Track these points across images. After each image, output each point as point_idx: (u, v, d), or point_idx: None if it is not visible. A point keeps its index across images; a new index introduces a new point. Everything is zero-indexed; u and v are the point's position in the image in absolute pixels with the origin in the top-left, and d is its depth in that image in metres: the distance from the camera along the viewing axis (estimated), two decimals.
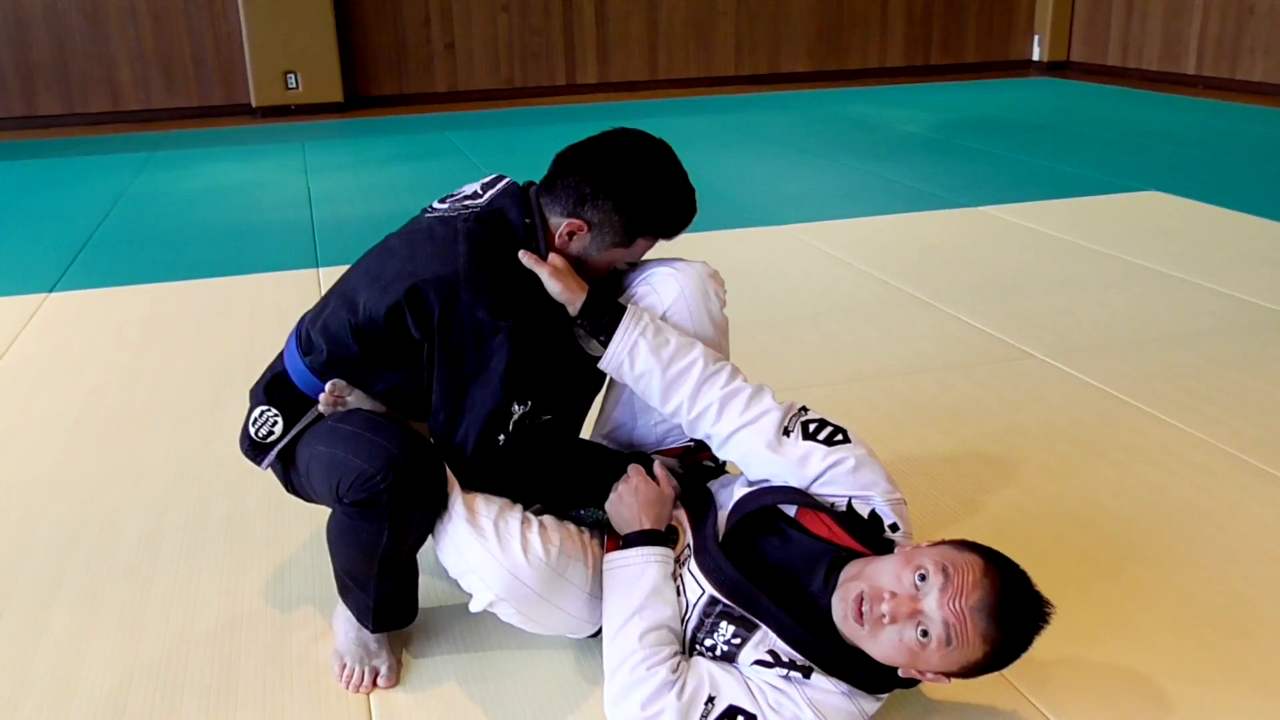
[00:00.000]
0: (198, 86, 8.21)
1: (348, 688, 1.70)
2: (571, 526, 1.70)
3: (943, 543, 1.51)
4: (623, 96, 8.87)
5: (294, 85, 8.17)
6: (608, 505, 1.72)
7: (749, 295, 3.59)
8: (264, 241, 4.53)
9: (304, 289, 3.76)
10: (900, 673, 1.49)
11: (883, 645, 1.46)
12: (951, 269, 3.87)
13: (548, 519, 1.66)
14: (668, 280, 1.77)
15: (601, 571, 1.67)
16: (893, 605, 1.43)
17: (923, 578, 1.43)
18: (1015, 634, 1.43)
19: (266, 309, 3.59)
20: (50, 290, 3.88)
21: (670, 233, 1.76)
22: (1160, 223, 4.45)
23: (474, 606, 1.62)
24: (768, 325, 3.32)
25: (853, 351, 3.11)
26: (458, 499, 1.62)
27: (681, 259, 1.82)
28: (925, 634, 1.42)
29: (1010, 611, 1.42)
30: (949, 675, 1.46)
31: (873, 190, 5.24)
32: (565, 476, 1.78)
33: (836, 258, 4.05)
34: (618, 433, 1.92)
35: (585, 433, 1.99)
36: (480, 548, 1.58)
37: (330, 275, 3.88)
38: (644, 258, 1.83)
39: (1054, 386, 2.82)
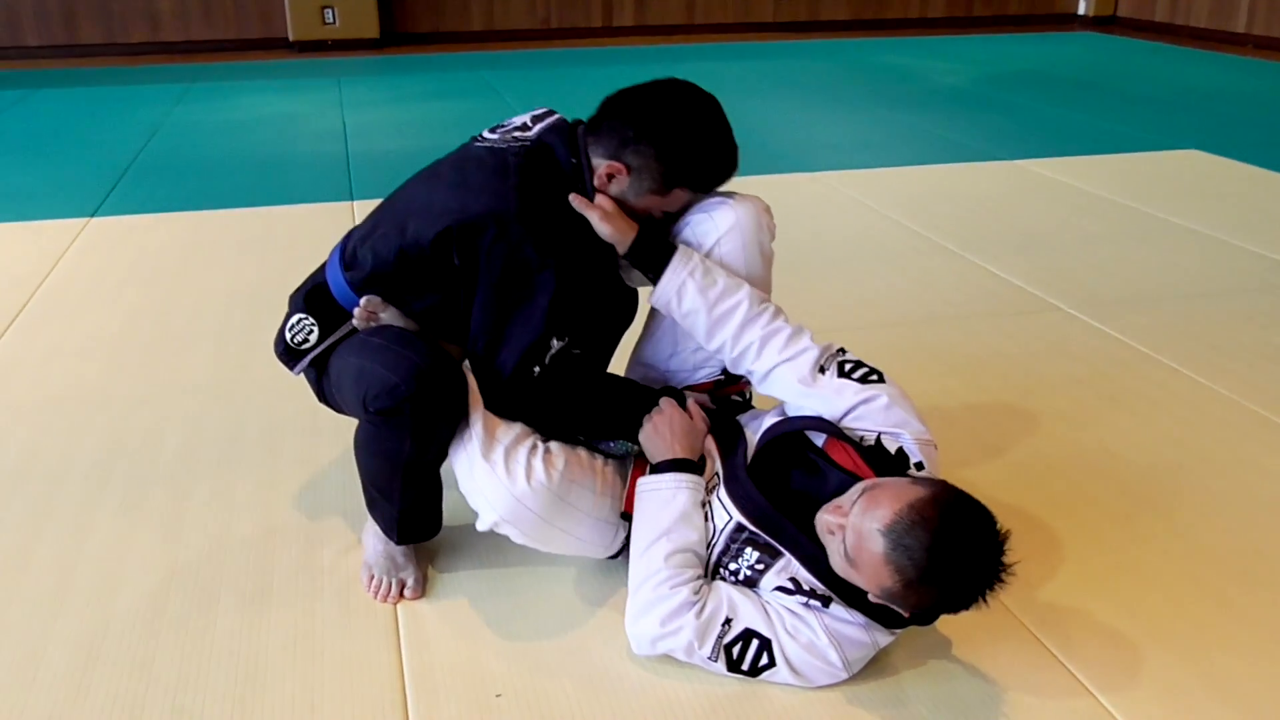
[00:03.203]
0: (236, 19, 8.23)
1: (375, 598, 1.77)
2: (582, 453, 1.75)
3: (918, 477, 1.55)
4: (659, 40, 8.82)
5: (331, 20, 8.18)
6: (641, 436, 1.77)
7: (780, 239, 3.59)
8: (300, 173, 4.58)
9: (339, 220, 3.81)
10: (870, 597, 1.51)
11: (834, 560, 1.51)
12: (983, 221, 3.87)
13: (554, 445, 1.71)
14: (724, 210, 1.80)
15: (614, 499, 1.74)
16: (834, 518, 1.49)
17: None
18: (927, 569, 1.40)
19: (302, 239, 3.65)
20: (92, 215, 3.96)
21: (707, 186, 1.79)
22: (1198, 181, 4.42)
23: (480, 526, 1.69)
24: (797, 269, 3.34)
25: (880, 298, 3.13)
26: (479, 419, 1.68)
27: (737, 192, 1.85)
28: (844, 547, 1.47)
29: (915, 542, 1.39)
30: (904, 610, 1.49)
31: (909, 141, 5.22)
32: (594, 409, 1.83)
33: (869, 206, 4.06)
34: (654, 363, 1.97)
35: (619, 366, 2.04)
36: (487, 470, 1.64)
37: (365, 208, 3.92)
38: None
39: (1078, 339, 2.83)
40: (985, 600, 1.45)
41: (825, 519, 1.51)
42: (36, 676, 1.60)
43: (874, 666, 1.61)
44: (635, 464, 1.79)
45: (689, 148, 1.72)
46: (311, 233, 3.70)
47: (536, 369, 1.71)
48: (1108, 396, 2.50)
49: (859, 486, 1.51)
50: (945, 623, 1.69)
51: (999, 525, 1.46)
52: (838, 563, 1.50)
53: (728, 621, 1.56)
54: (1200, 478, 2.16)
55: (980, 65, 7.54)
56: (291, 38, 8.21)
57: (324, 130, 5.43)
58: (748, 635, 1.55)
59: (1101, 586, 1.82)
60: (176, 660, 1.63)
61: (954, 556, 1.41)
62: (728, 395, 1.94)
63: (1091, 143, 5.12)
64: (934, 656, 1.65)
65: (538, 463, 1.65)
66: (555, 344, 1.71)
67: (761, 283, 1.83)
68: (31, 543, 1.93)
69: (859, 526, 1.44)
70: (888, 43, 8.75)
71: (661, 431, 1.74)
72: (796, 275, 3.29)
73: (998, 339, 2.83)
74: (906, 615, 1.50)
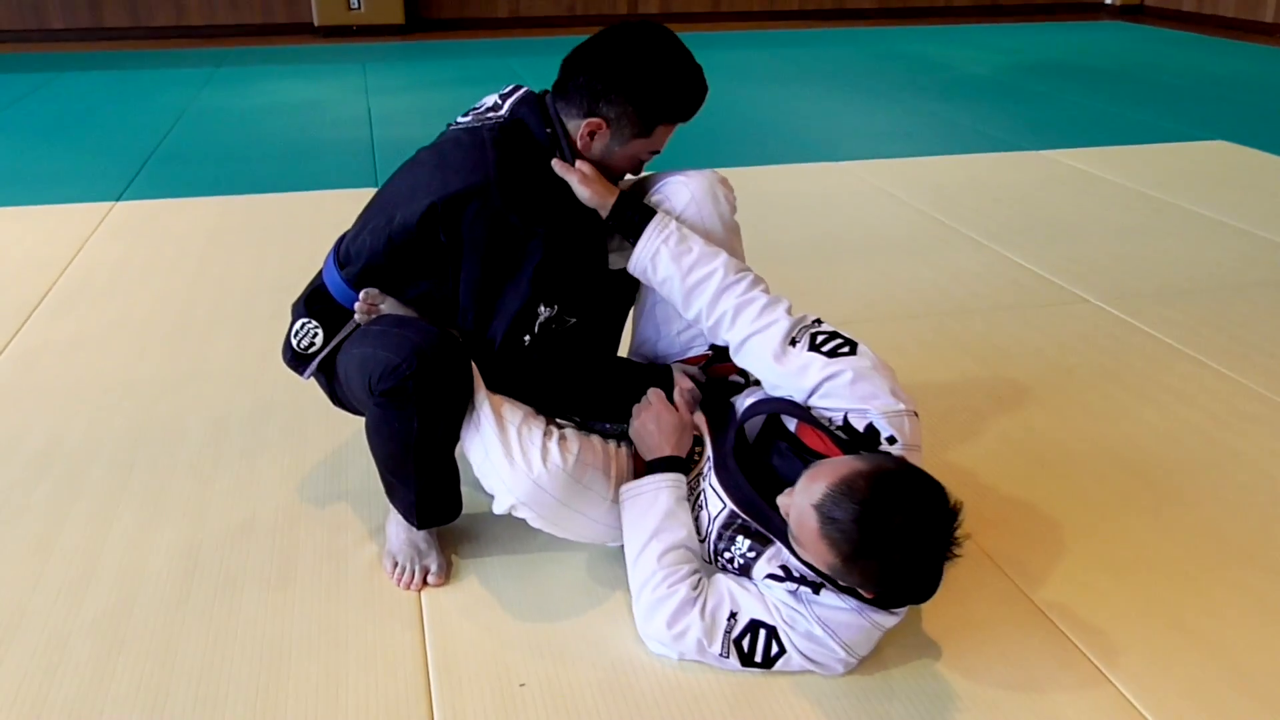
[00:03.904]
0: (261, 4, 8.25)
1: (399, 585, 1.78)
2: (595, 438, 1.75)
3: (866, 453, 1.54)
4: (684, 28, 8.75)
5: (356, 6, 8.18)
6: (631, 432, 1.77)
7: (805, 229, 3.60)
8: (325, 159, 4.58)
9: (363, 207, 3.80)
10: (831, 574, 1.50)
11: (791, 541, 1.51)
12: (1009, 212, 3.84)
13: (568, 430, 1.72)
14: (678, 188, 1.81)
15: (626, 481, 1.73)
16: (785, 500, 1.50)
17: None
18: (859, 541, 1.39)
19: (326, 225, 3.64)
20: (117, 199, 3.97)
21: (685, 114, 1.77)
22: (1225, 172, 4.37)
23: (497, 508, 1.68)
24: (821, 259, 3.33)
25: (904, 289, 3.11)
26: (485, 402, 1.67)
27: (690, 169, 1.85)
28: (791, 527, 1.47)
29: (843, 515, 1.39)
30: (865, 590, 1.48)
31: (934, 130, 5.18)
32: (594, 389, 1.83)
33: (894, 195, 4.03)
34: (643, 346, 1.98)
35: (623, 350, 2.04)
36: (503, 453, 1.64)
37: None
38: (656, 173, 1.87)
39: (1105, 331, 2.81)
40: (939, 572, 1.45)
41: (780, 502, 1.52)
42: (60, 663, 1.61)
43: (904, 655, 1.61)
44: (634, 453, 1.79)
45: (657, 81, 1.71)
46: (336, 219, 3.70)
47: (526, 338, 1.71)
48: (1134, 389, 2.48)
49: (810, 467, 1.51)
50: (965, 614, 1.68)
51: (949, 497, 1.43)
52: (792, 544, 1.50)
53: (733, 615, 1.56)
54: (1226, 471, 2.14)
55: (1007, 55, 7.48)
56: (316, 23, 8.22)
57: (349, 116, 5.43)
58: (754, 626, 1.55)
59: (1124, 576, 1.81)
60: (200, 647, 1.64)
61: (883, 527, 1.38)
62: (724, 376, 1.93)
63: (1119, 133, 5.08)
64: (959, 648, 1.64)
65: (553, 446, 1.65)
66: (543, 311, 1.71)
67: (730, 254, 1.81)
68: (55, 529, 1.94)
69: (798, 505, 1.45)
70: (914, 32, 8.69)
71: (649, 429, 1.74)
72: (822, 266, 3.28)
73: (1024, 331, 2.81)
74: (869, 596, 1.50)
